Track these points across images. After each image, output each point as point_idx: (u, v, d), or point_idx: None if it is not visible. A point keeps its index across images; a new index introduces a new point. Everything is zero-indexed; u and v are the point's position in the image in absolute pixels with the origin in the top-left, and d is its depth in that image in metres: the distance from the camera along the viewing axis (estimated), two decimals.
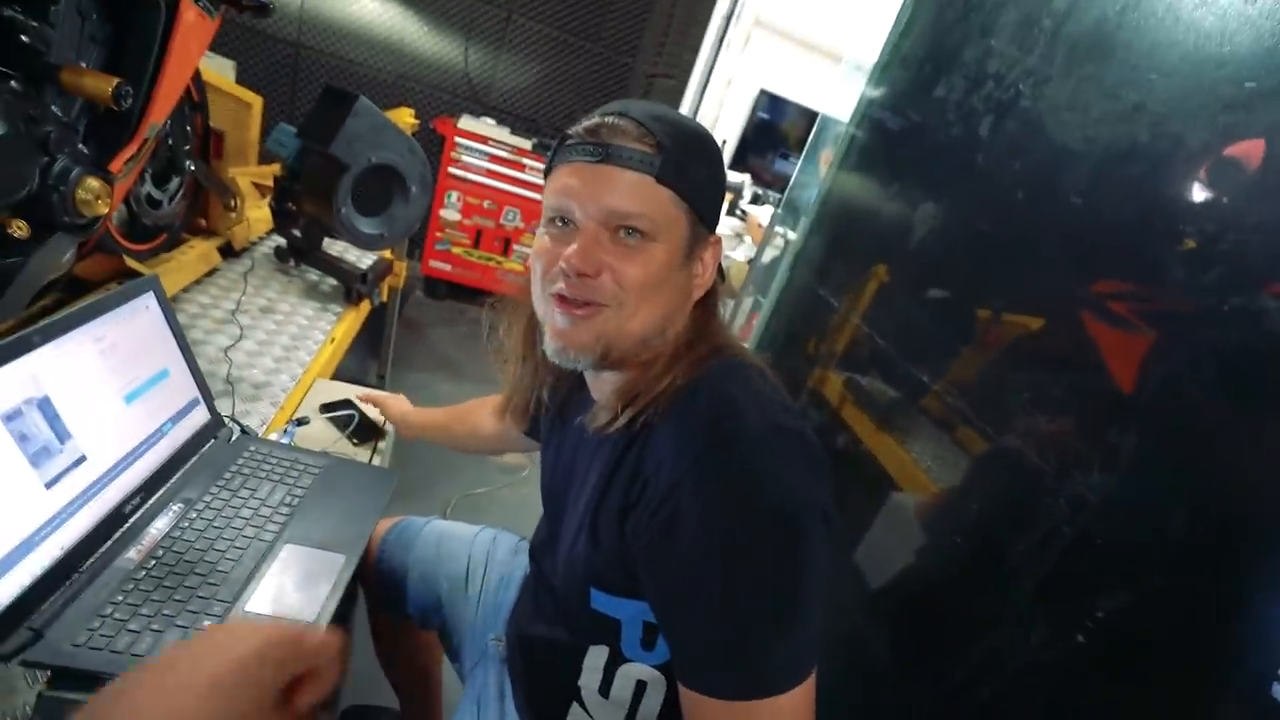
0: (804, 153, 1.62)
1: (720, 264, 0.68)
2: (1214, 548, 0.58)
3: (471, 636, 0.88)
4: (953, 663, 0.80)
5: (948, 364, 0.98)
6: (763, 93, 3.52)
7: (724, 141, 3.52)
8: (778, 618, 0.52)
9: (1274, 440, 0.56)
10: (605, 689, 0.67)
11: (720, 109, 2.32)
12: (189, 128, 1.45)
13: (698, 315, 0.66)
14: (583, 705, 0.70)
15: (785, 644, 0.52)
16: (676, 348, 0.63)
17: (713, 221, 0.64)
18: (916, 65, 1.14)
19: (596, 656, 0.68)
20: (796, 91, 3.54)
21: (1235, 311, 0.59)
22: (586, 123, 0.61)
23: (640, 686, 0.66)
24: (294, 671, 0.39)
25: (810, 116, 3.31)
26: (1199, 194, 0.65)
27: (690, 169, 0.59)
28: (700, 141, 0.62)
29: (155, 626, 0.68)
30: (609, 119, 0.59)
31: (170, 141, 1.39)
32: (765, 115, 3.59)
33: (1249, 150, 0.62)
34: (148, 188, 1.38)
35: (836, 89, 1.50)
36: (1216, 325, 0.61)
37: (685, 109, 2.34)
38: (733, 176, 3.39)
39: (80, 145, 0.91)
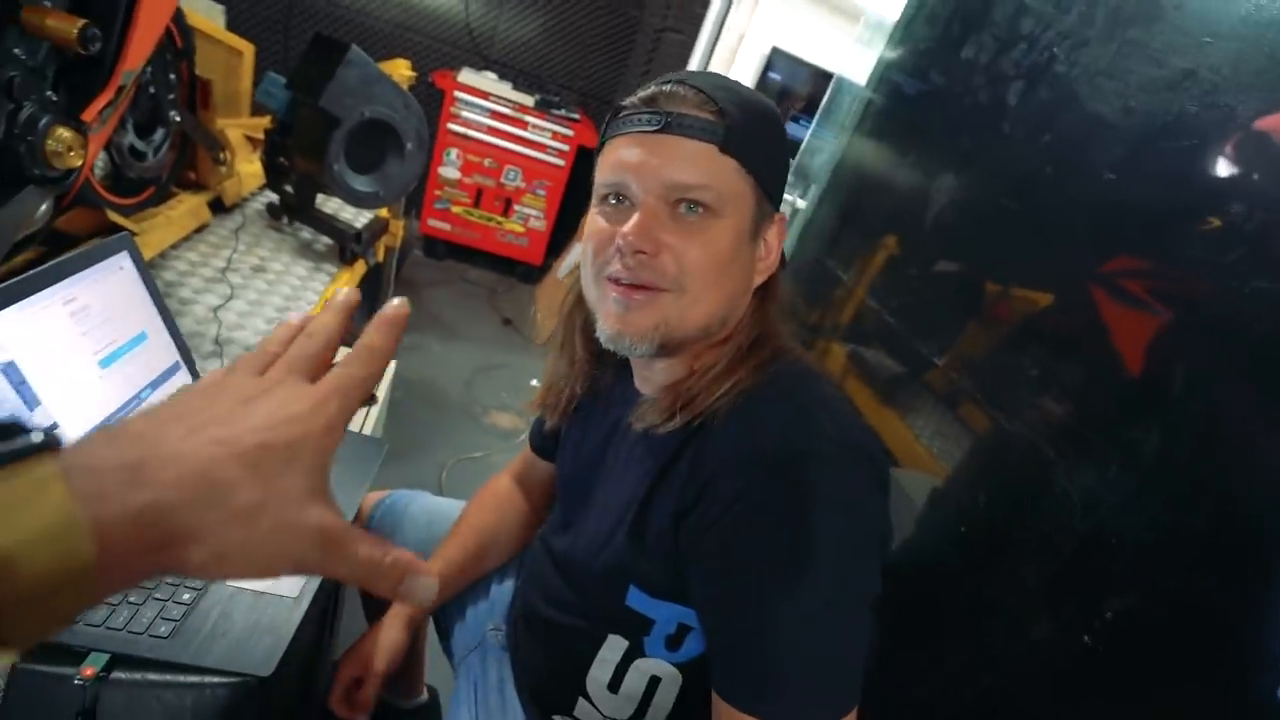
0: (817, 117, 1.55)
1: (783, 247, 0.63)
2: (1236, 550, 0.55)
3: (464, 624, 0.86)
4: (947, 652, 0.79)
5: (956, 341, 0.94)
6: (775, 51, 3.39)
7: None
8: (824, 643, 0.51)
9: None
10: (615, 684, 0.65)
11: (730, 67, 2.23)
12: (173, 75, 1.39)
13: (758, 304, 0.62)
14: (589, 699, 0.67)
15: (826, 672, 0.51)
16: (738, 347, 0.59)
17: (777, 198, 0.59)
18: (943, 23, 1.07)
19: (613, 648, 0.65)
20: (810, 51, 3.40)
21: (1258, 294, 0.55)
22: (642, 93, 0.56)
23: (653, 682, 0.64)
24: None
25: (824, 78, 3.19)
26: (1227, 169, 0.60)
27: (755, 139, 0.55)
28: (764, 112, 0.58)
29: (132, 599, 0.66)
30: (667, 87, 0.55)
31: (153, 90, 1.33)
32: (776, 75, 3.46)
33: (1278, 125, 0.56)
34: (130, 139, 1.32)
35: (854, 49, 1.42)
36: (1239, 308, 0.57)
37: (693, 65, 2.24)
38: None
39: (49, 93, 0.86)
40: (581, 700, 0.68)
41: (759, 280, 0.61)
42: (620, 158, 0.55)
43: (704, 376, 0.58)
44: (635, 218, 0.54)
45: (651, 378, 0.64)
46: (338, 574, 0.30)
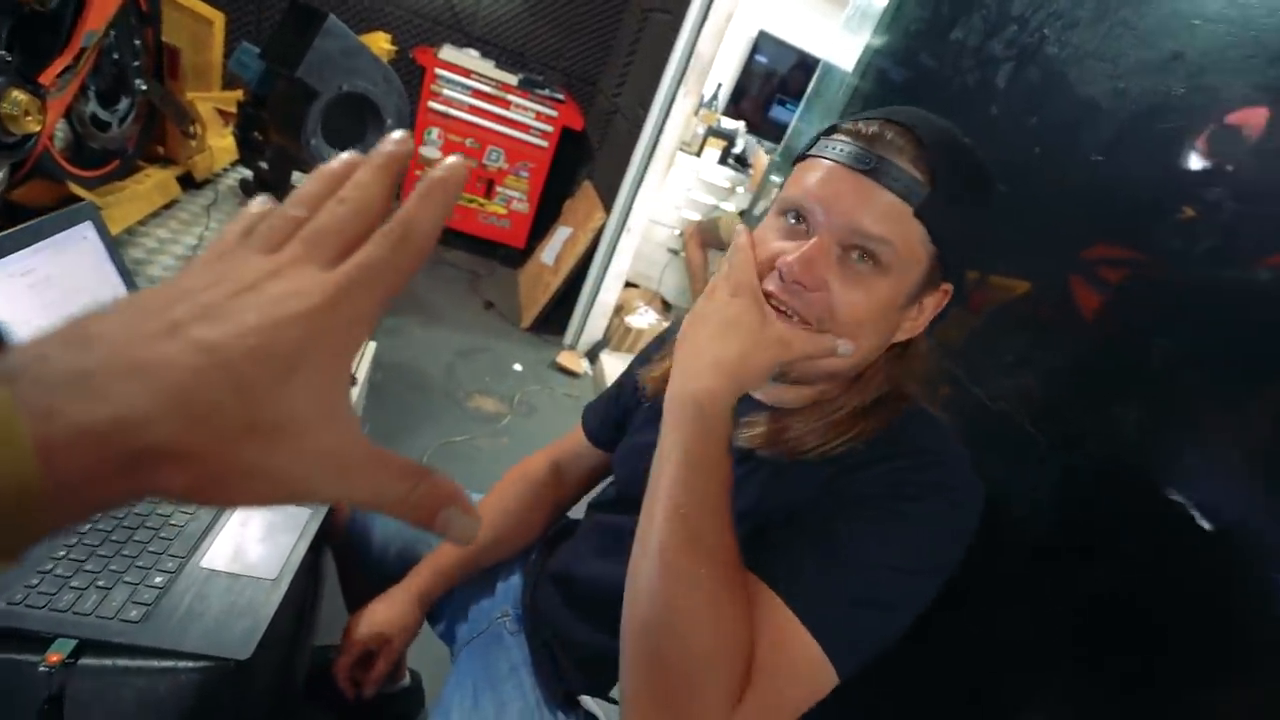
0: (804, 100, 1.53)
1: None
2: (1190, 521, 0.56)
3: (464, 613, 0.85)
4: (939, 632, 0.79)
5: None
6: (762, 34, 3.36)
7: (719, 85, 3.36)
8: (875, 586, 0.51)
9: (1266, 417, 0.54)
10: None
11: (717, 49, 2.20)
12: (138, 41, 1.33)
13: (894, 358, 0.60)
14: None
15: (858, 616, 0.51)
16: (861, 401, 0.58)
17: (952, 271, 0.57)
18: (933, 4, 1.06)
19: None
20: (797, 36, 3.38)
21: (1230, 283, 0.57)
22: (862, 122, 0.54)
23: None
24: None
25: (809, 63, 3.17)
26: (1200, 161, 0.62)
27: (957, 212, 0.53)
28: (981, 184, 0.56)
29: (101, 583, 0.64)
30: (889, 133, 0.52)
31: (117, 56, 1.27)
32: (762, 58, 3.44)
33: (1248, 118, 0.58)
34: (93, 107, 1.26)
35: (841, 35, 1.41)
36: (1211, 296, 0.58)
37: (680, 46, 2.21)
38: (726, 123, 3.27)
39: (3, 52, 0.81)
40: None
41: (900, 338, 0.59)
42: (814, 181, 0.54)
43: (820, 418, 0.58)
44: (804, 248, 0.52)
45: (761, 398, 0.64)
46: (357, 503, 0.26)
